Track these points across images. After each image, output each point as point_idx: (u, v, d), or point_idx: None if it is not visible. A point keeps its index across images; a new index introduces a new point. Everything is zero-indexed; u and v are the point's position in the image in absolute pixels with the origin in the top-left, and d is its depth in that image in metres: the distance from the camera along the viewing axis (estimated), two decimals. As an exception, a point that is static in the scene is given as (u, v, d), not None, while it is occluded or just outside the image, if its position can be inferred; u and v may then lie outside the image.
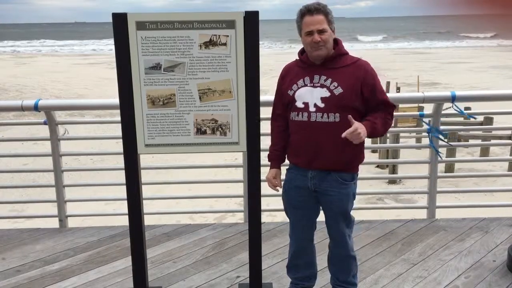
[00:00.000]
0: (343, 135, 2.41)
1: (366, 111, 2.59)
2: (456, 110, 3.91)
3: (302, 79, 2.59)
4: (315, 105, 2.53)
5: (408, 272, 3.34)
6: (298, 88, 2.58)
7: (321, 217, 2.82)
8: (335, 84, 2.52)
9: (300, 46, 2.71)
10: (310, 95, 2.54)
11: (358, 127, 2.41)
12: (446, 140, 4.06)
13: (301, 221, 2.79)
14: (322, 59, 2.55)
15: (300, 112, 2.56)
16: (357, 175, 2.72)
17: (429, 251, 3.63)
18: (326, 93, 2.52)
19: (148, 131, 2.67)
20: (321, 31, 2.48)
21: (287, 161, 2.81)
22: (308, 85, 2.56)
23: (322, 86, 2.54)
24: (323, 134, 2.54)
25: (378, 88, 2.59)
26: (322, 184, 2.63)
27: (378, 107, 2.59)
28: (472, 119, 3.68)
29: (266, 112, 2.90)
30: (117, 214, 4.39)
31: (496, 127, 9.80)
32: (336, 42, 2.60)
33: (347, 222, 2.74)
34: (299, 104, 2.56)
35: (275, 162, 2.77)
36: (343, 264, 2.84)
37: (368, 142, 2.76)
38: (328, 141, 2.53)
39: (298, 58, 2.70)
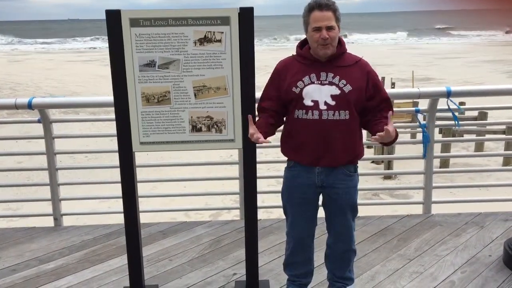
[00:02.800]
0: (388, 127, 2.36)
1: (367, 110, 2.61)
2: (448, 107, 3.91)
3: (307, 76, 2.56)
4: (326, 103, 2.52)
5: (405, 267, 3.34)
6: (305, 85, 2.55)
7: (319, 213, 2.82)
8: (344, 81, 2.52)
9: (295, 42, 2.69)
10: (318, 93, 2.52)
11: (392, 131, 2.39)
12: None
13: (304, 217, 2.78)
14: (327, 57, 2.55)
15: (310, 110, 2.53)
16: (358, 166, 2.74)
17: (425, 246, 3.64)
18: (336, 91, 2.51)
19: (143, 129, 2.66)
20: (329, 28, 2.47)
21: (284, 158, 2.79)
22: (316, 82, 2.54)
23: (330, 83, 2.52)
24: (333, 131, 2.53)
25: (381, 87, 2.63)
26: (330, 179, 2.63)
27: (380, 106, 2.60)
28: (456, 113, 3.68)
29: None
30: (112, 212, 4.37)
31: (491, 122, 9.84)
32: (339, 41, 2.59)
33: (354, 214, 2.76)
34: (308, 102, 2.54)
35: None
36: (343, 259, 2.84)
37: (363, 138, 2.76)
38: (339, 138, 2.54)
39: (296, 53, 2.68)
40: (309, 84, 2.55)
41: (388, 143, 2.53)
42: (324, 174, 2.63)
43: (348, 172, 2.65)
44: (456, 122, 4.00)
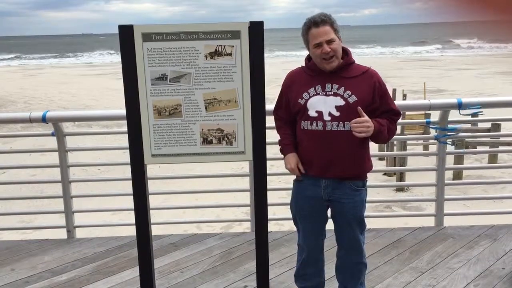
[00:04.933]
0: (352, 121, 2.44)
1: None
2: (465, 114, 3.89)
3: (313, 88, 2.59)
4: (330, 114, 2.53)
5: (417, 280, 3.31)
6: (310, 96, 2.58)
7: (328, 225, 2.81)
8: (349, 92, 2.53)
9: (305, 53, 2.72)
10: (323, 104, 2.54)
11: (368, 119, 2.44)
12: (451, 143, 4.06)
13: (313, 230, 2.78)
14: (334, 69, 2.57)
15: (314, 121, 2.56)
16: (367, 181, 2.73)
17: (438, 259, 3.61)
18: (341, 102, 2.52)
19: (155, 142, 2.68)
20: (329, 41, 2.50)
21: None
22: (320, 93, 2.57)
23: (335, 94, 2.54)
24: (338, 143, 2.54)
25: (388, 98, 2.62)
26: (336, 193, 2.63)
27: (385, 114, 2.60)
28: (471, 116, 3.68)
29: (272, 121, 2.90)
30: (124, 224, 4.40)
31: (504, 134, 9.74)
32: (346, 52, 2.61)
33: (362, 228, 2.74)
34: (312, 113, 2.56)
35: (291, 146, 2.71)
36: (354, 272, 2.82)
37: (375, 149, 2.77)
38: (344, 149, 2.55)
39: (304, 65, 2.71)
40: (314, 95, 2.57)
41: (378, 138, 2.55)
42: (330, 188, 2.63)
43: (355, 187, 2.64)
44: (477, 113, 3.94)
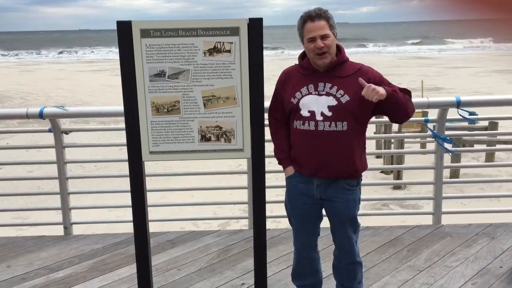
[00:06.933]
0: (362, 92, 2.37)
1: (382, 109, 2.55)
2: (462, 116, 3.89)
3: (305, 87, 2.57)
4: (322, 114, 2.51)
5: (414, 279, 3.32)
6: (302, 96, 2.56)
7: (325, 223, 2.81)
8: (341, 92, 2.50)
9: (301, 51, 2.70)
10: (316, 104, 2.52)
11: (371, 85, 2.38)
12: (451, 145, 4.05)
13: (305, 228, 2.78)
14: (326, 66, 2.54)
15: (306, 121, 2.54)
16: (361, 180, 2.71)
17: (435, 257, 3.61)
18: (333, 102, 2.50)
19: (153, 138, 2.67)
20: (324, 37, 2.47)
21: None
22: (313, 93, 2.54)
23: (328, 94, 2.52)
24: (331, 143, 2.52)
25: (387, 82, 2.57)
26: (328, 191, 2.62)
27: None
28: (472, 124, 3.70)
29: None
30: (121, 221, 4.38)
31: (501, 132, 9.76)
32: (339, 49, 2.58)
33: (354, 227, 2.73)
34: (304, 112, 2.54)
35: (288, 159, 2.72)
36: (349, 271, 2.82)
37: (372, 148, 2.76)
38: (336, 150, 2.53)
39: (298, 63, 2.69)
40: (306, 94, 2.55)
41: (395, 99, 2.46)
42: (323, 187, 2.62)
43: (348, 186, 2.63)
44: (470, 120, 3.93)
